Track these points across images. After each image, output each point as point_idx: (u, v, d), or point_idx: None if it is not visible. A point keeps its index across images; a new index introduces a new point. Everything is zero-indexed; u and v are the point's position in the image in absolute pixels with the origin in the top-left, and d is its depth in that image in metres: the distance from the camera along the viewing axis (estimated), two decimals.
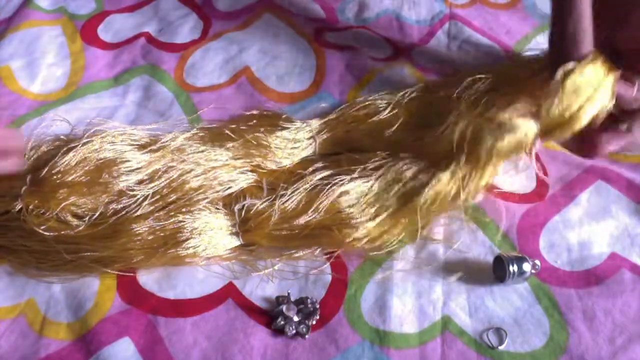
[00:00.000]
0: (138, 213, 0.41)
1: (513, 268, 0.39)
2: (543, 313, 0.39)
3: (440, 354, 0.37)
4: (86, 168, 0.42)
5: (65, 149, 0.44)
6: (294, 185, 0.43)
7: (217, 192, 0.43)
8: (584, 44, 0.39)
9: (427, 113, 0.47)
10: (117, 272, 0.40)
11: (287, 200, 0.42)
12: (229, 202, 0.43)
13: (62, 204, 0.40)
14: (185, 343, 0.37)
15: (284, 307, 0.38)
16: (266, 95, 0.53)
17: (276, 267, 0.41)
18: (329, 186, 0.42)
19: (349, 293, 0.40)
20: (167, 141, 0.46)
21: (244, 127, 0.47)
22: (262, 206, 0.41)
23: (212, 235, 0.41)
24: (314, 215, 0.41)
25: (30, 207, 0.41)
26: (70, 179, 0.42)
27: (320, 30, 0.59)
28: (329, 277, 0.40)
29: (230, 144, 0.45)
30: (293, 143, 0.46)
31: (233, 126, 0.47)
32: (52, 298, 0.39)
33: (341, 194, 0.42)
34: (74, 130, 0.48)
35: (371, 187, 0.42)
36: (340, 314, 0.39)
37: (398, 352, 0.37)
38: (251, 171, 0.45)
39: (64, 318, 0.39)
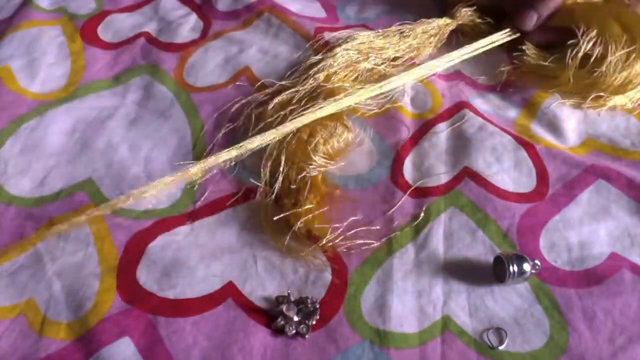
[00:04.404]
0: None
1: (513, 268, 0.39)
2: (543, 313, 0.39)
3: (440, 354, 0.37)
4: None
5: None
6: None
7: None
8: None
9: None
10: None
11: None
12: None
13: None
14: (185, 343, 0.37)
15: (283, 307, 0.38)
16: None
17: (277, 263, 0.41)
18: None
19: (349, 293, 0.40)
20: None
21: None
22: None
23: None
24: None
25: None
26: None
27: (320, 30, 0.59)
28: (329, 277, 0.40)
29: None
30: None
31: None
32: (52, 298, 0.39)
33: None
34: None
35: None
36: (340, 314, 0.39)
37: (398, 352, 0.37)
38: None
39: (64, 318, 0.39)
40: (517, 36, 0.56)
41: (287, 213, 0.42)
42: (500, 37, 0.56)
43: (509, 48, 0.57)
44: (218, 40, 0.59)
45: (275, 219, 0.42)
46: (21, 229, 0.43)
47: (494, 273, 0.40)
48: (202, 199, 0.45)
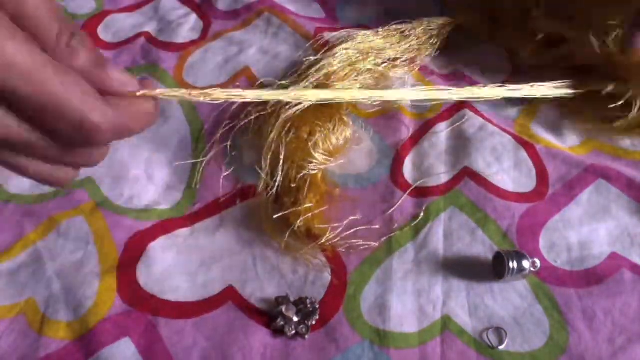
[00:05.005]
0: None
1: (512, 264, 0.39)
2: (543, 313, 0.39)
3: (440, 354, 0.37)
4: None
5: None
6: None
7: None
8: None
9: None
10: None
11: None
12: None
13: None
14: (185, 344, 0.37)
15: (283, 308, 0.38)
16: None
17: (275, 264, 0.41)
18: None
19: (349, 293, 0.40)
20: None
21: None
22: None
23: None
24: None
25: None
26: None
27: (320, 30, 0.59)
28: (328, 277, 0.40)
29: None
30: None
31: None
32: (51, 297, 0.39)
33: None
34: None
35: None
36: (340, 314, 0.39)
37: (398, 352, 0.37)
38: None
39: (63, 317, 0.39)
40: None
41: (287, 212, 0.42)
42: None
43: (509, 50, 0.57)
44: (218, 41, 0.59)
45: (275, 217, 0.42)
46: (20, 225, 0.43)
47: (494, 269, 0.40)
48: (202, 199, 0.45)
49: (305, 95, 0.35)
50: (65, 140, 0.26)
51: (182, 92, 0.30)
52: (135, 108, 0.27)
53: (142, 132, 0.28)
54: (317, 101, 0.36)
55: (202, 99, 0.31)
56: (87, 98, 0.25)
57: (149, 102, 0.28)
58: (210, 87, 0.35)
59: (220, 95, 0.31)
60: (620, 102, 0.48)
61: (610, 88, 0.48)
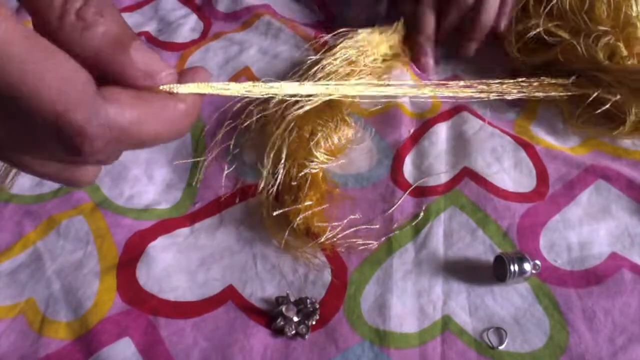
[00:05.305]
0: None
1: (514, 268, 0.39)
2: (543, 313, 0.39)
3: (441, 354, 0.37)
4: None
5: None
6: None
7: None
8: None
9: None
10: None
11: None
12: None
13: None
14: (185, 344, 0.37)
15: (283, 308, 0.38)
16: None
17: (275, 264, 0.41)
18: None
19: (349, 293, 0.40)
20: None
21: None
22: None
23: None
24: None
25: None
26: None
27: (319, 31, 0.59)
28: (328, 277, 0.40)
29: None
30: None
31: None
32: (51, 297, 0.39)
33: None
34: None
35: None
36: (340, 314, 0.39)
37: (398, 352, 0.37)
38: None
39: (63, 317, 0.38)
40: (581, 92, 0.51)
41: (287, 209, 0.42)
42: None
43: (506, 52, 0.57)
44: (218, 41, 0.59)
45: (275, 214, 0.42)
46: (20, 225, 0.43)
47: (495, 272, 0.40)
48: (202, 198, 0.45)
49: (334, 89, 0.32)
50: (44, 147, 0.18)
51: (220, 87, 0.23)
52: (157, 107, 0.20)
53: (167, 142, 0.21)
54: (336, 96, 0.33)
55: (243, 91, 0.23)
56: (70, 88, 0.17)
57: (183, 101, 0.20)
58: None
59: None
60: (606, 107, 0.48)
61: (598, 92, 0.48)
